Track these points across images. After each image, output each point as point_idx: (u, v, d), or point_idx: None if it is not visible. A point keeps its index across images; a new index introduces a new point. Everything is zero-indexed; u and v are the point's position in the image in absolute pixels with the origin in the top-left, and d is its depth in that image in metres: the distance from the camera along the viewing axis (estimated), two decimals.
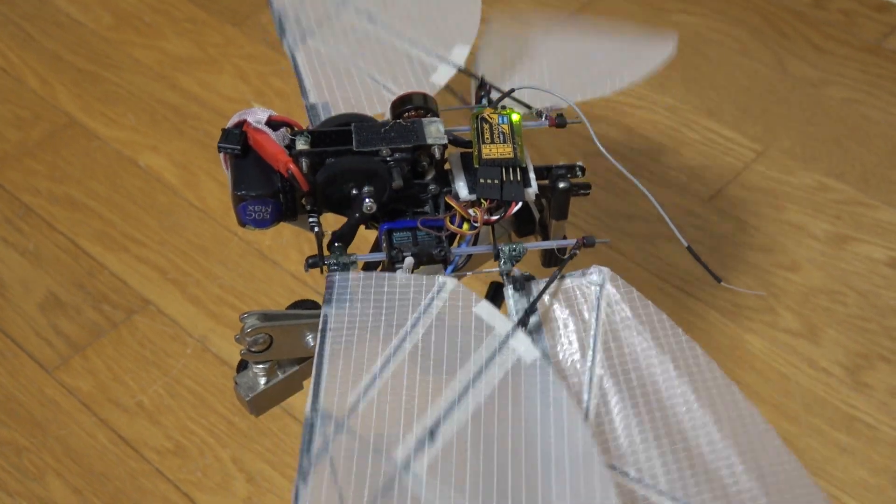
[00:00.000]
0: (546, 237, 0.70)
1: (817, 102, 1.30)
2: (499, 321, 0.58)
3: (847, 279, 1.11)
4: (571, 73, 0.80)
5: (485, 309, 0.59)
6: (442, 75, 0.75)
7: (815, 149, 1.24)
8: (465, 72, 0.75)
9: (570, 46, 0.83)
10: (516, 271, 0.63)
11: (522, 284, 0.62)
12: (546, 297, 0.61)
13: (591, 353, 0.59)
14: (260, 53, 1.38)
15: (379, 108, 0.72)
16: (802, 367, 1.04)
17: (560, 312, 0.61)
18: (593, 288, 0.61)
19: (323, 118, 0.71)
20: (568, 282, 0.62)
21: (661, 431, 0.56)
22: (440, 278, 0.60)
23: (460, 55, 0.76)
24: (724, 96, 1.31)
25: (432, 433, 0.53)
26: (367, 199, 0.64)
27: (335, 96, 0.73)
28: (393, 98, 0.69)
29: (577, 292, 0.61)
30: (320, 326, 0.57)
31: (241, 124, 0.65)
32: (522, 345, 0.57)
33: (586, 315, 0.60)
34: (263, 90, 1.33)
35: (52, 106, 1.31)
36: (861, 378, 1.03)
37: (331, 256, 0.63)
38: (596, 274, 0.62)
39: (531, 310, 0.60)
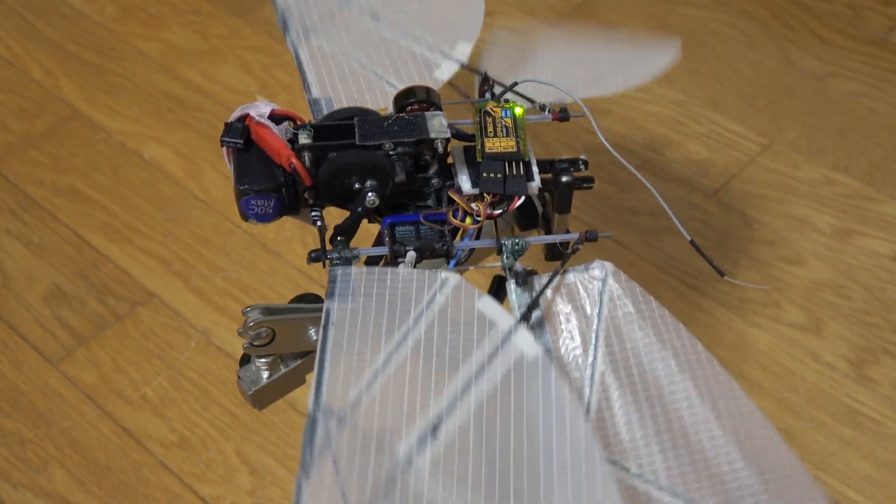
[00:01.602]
0: (549, 231, 0.70)
1: (823, 95, 1.30)
2: (501, 317, 0.58)
3: (852, 273, 1.11)
4: (573, 74, 0.80)
5: (487, 304, 0.59)
6: (445, 71, 0.74)
7: (821, 142, 1.24)
8: (467, 68, 0.75)
9: (573, 52, 0.83)
10: (519, 266, 0.63)
11: (525, 279, 0.62)
12: (548, 292, 0.61)
13: (593, 348, 0.59)
14: (264, 45, 1.37)
15: (382, 103, 0.72)
16: (807, 362, 1.03)
17: (562, 307, 0.61)
18: (596, 283, 0.61)
19: (326, 113, 0.71)
20: (570, 276, 0.62)
21: (662, 427, 0.56)
22: (442, 274, 0.60)
23: (463, 52, 0.76)
24: (730, 89, 1.30)
25: (435, 429, 0.53)
26: (369, 194, 0.63)
27: (338, 91, 0.73)
28: (395, 93, 0.69)
29: (580, 287, 0.61)
30: (322, 321, 0.57)
31: (244, 118, 0.65)
32: (525, 341, 0.57)
33: (588, 310, 0.60)
34: (268, 82, 1.33)
35: (56, 97, 1.31)
36: (865, 372, 1.03)
37: (333, 251, 0.62)
38: (598, 269, 0.62)
39: (533, 305, 0.60)
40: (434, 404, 0.54)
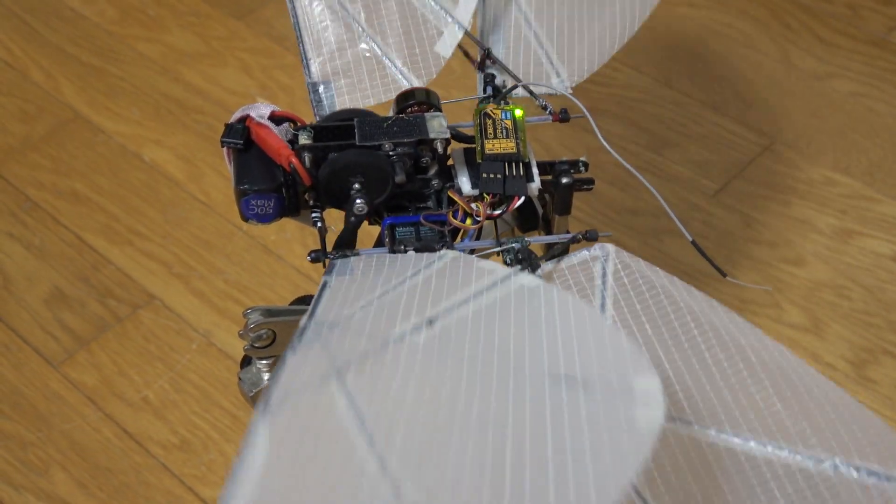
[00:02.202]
0: (549, 232, 0.70)
1: (823, 96, 1.30)
2: (502, 268, 0.57)
3: (852, 274, 1.11)
4: (574, 27, 0.77)
5: (488, 263, 0.58)
6: (446, 44, 0.73)
7: (821, 142, 1.24)
8: (469, 35, 0.74)
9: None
10: (516, 245, 0.62)
11: (525, 257, 0.61)
12: (549, 270, 0.60)
13: (600, 309, 0.57)
14: (264, 47, 1.38)
15: (382, 90, 0.72)
16: (807, 362, 1.03)
17: (564, 284, 0.59)
18: (599, 259, 0.60)
19: (325, 99, 0.71)
20: (573, 258, 0.60)
21: (683, 362, 0.54)
22: (441, 251, 0.60)
23: (466, 9, 0.74)
24: (729, 89, 1.31)
25: (430, 321, 0.51)
26: (358, 200, 0.63)
27: (338, 73, 0.72)
28: (396, 74, 0.69)
29: (582, 266, 0.60)
30: (318, 288, 0.56)
31: (244, 119, 0.65)
32: (526, 278, 0.55)
33: (594, 282, 0.59)
34: (267, 84, 1.33)
35: (56, 100, 1.31)
36: (866, 373, 1.03)
37: (333, 251, 0.63)
38: (599, 249, 0.60)
39: (535, 265, 0.59)
40: (431, 309, 0.52)
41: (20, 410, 1.02)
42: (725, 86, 1.31)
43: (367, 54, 0.73)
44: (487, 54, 0.73)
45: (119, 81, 1.34)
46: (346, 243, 0.64)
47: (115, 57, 1.37)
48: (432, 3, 0.74)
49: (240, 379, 0.69)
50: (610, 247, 0.60)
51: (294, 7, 0.75)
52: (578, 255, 0.61)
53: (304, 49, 0.73)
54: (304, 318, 0.52)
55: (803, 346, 1.04)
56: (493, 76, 0.72)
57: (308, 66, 0.72)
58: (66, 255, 1.14)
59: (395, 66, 0.72)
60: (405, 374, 0.48)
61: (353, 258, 0.60)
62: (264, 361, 0.68)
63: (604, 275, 0.59)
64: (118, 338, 1.07)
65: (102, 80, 1.34)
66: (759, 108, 1.28)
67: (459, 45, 0.73)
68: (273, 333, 0.66)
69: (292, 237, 1.15)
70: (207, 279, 1.12)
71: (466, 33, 0.73)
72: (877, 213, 1.16)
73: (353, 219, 0.64)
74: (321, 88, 0.72)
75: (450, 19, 0.73)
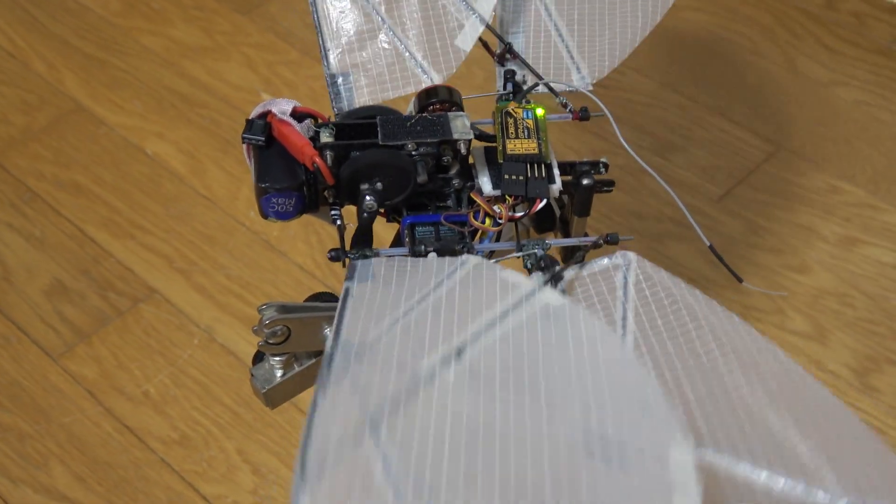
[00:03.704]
0: (567, 234, 0.69)
1: (828, 103, 1.30)
2: (525, 281, 0.56)
3: (856, 282, 1.11)
4: (591, 23, 0.77)
5: (510, 274, 0.57)
6: (467, 37, 0.73)
7: (826, 150, 1.24)
8: (490, 29, 0.73)
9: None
10: (539, 251, 0.62)
11: (548, 264, 0.61)
12: (570, 280, 0.59)
13: (622, 330, 0.57)
14: (268, 42, 1.37)
15: (401, 83, 0.71)
16: (811, 370, 1.03)
17: (586, 292, 0.59)
18: (620, 269, 0.60)
19: (343, 91, 0.70)
20: (594, 266, 0.60)
21: (705, 393, 0.53)
22: (463, 255, 0.59)
23: (487, 3, 0.73)
24: (735, 95, 1.30)
25: (459, 352, 0.51)
26: (367, 197, 0.63)
27: (357, 67, 0.71)
28: (416, 69, 0.68)
29: (604, 275, 0.59)
30: (341, 297, 0.56)
31: (266, 115, 0.64)
32: (550, 295, 0.55)
33: (615, 294, 0.59)
34: (271, 79, 1.32)
35: (58, 91, 1.30)
36: (869, 381, 1.03)
37: (352, 250, 0.62)
38: (621, 258, 0.60)
39: (558, 276, 0.59)
40: (458, 336, 0.52)
41: (19, 403, 1.01)
42: (731, 92, 1.31)
43: (387, 45, 0.72)
44: (508, 49, 0.72)
45: (122, 74, 1.33)
46: (362, 240, 0.64)
47: (119, 49, 1.36)
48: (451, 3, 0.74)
49: (252, 375, 0.68)
50: (631, 255, 0.60)
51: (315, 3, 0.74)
52: (599, 263, 0.60)
53: (322, 39, 0.72)
54: (329, 340, 0.52)
55: (807, 353, 1.04)
56: (514, 72, 0.71)
57: (326, 57, 0.72)
58: (66, 248, 1.13)
59: (415, 60, 0.71)
60: (438, 431, 0.47)
61: (373, 260, 0.59)
62: (277, 358, 0.67)
63: (625, 285, 0.59)
64: (119, 331, 1.06)
65: (105, 73, 1.33)
66: (765, 115, 1.28)
67: (480, 39, 0.73)
68: (288, 330, 0.65)
69: (295, 234, 1.14)
70: (209, 274, 1.11)
71: (487, 27, 0.72)
72: (881, 222, 1.16)
73: (364, 215, 0.63)
74: (339, 80, 0.71)
75: (471, 12, 0.72)
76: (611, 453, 0.46)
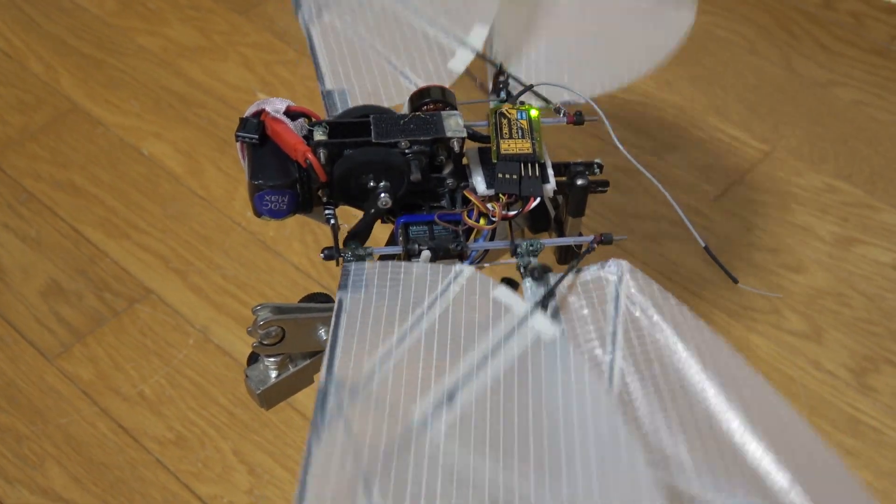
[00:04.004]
0: (561, 234, 0.69)
1: (825, 103, 1.30)
2: (517, 303, 0.57)
3: (853, 282, 1.10)
4: (589, 54, 0.78)
5: (503, 293, 0.58)
6: (459, 62, 0.73)
7: (823, 150, 1.24)
8: (482, 57, 0.74)
9: (586, 20, 0.82)
10: (534, 261, 0.62)
11: (540, 275, 0.61)
12: (564, 290, 0.60)
13: (611, 345, 0.58)
14: (265, 42, 1.37)
15: (395, 97, 0.72)
16: (808, 369, 1.03)
17: (578, 305, 0.60)
18: (612, 280, 0.60)
19: (339, 106, 0.71)
20: (585, 275, 0.61)
21: (686, 420, 0.54)
22: (457, 266, 0.59)
23: (478, 37, 0.74)
24: (732, 95, 1.30)
25: (451, 397, 0.52)
26: (382, 194, 0.63)
27: (351, 82, 0.72)
28: (410, 86, 0.69)
29: (595, 285, 0.60)
30: (335, 309, 0.56)
31: (260, 113, 0.64)
32: (542, 323, 0.56)
33: (605, 308, 0.59)
34: (268, 79, 1.32)
35: (55, 91, 1.30)
36: (866, 381, 1.03)
37: (346, 249, 0.62)
38: (614, 266, 0.61)
39: (549, 295, 0.59)
40: (449, 376, 0.53)
41: (15, 404, 1.01)
42: (727, 91, 1.31)
43: (381, 65, 0.73)
44: (500, 70, 0.72)
45: (119, 74, 1.33)
46: (361, 235, 0.64)
47: (115, 49, 1.36)
48: (444, 32, 0.75)
49: (247, 376, 0.68)
50: (624, 264, 0.61)
51: (307, 25, 0.75)
52: (592, 272, 0.61)
53: (317, 62, 0.73)
54: (323, 373, 0.52)
55: (804, 353, 1.04)
56: (507, 82, 0.72)
57: (322, 78, 0.72)
58: (63, 248, 1.13)
59: (409, 79, 0.72)
60: (430, 484, 0.48)
61: (366, 265, 0.60)
62: (272, 359, 0.67)
63: (616, 297, 0.60)
64: (115, 332, 1.06)
65: (102, 73, 1.33)
66: (762, 114, 1.28)
67: (468, 72, 0.74)
68: (282, 331, 0.65)
69: (291, 234, 1.14)
70: (205, 274, 1.11)
71: (479, 55, 0.73)
72: (878, 222, 1.16)
73: (373, 211, 0.63)
74: (336, 96, 0.71)
75: (463, 45, 0.74)
76: None
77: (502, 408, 0.52)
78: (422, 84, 0.71)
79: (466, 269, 0.59)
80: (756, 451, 0.53)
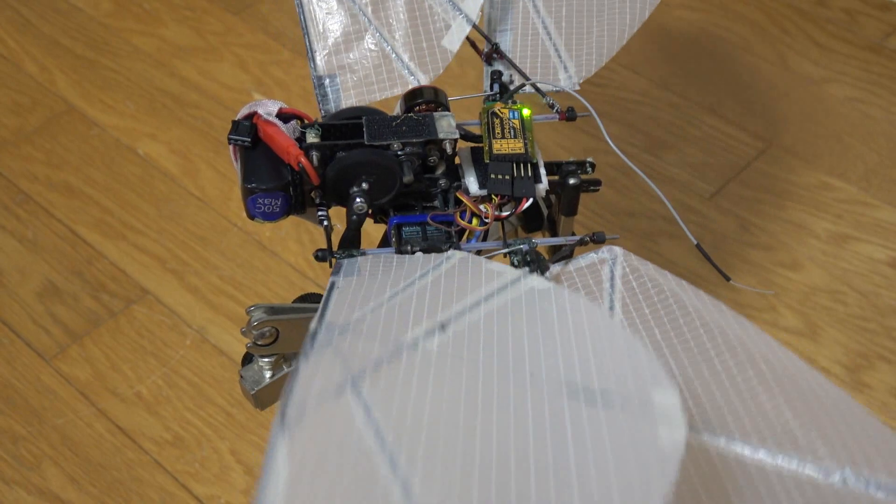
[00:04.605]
0: (554, 233, 0.70)
1: (819, 100, 1.30)
2: (511, 270, 0.56)
3: (848, 279, 1.11)
4: (579, 21, 0.77)
5: (496, 265, 0.57)
6: (454, 38, 0.73)
7: (817, 147, 1.24)
8: (478, 29, 0.73)
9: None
10: (525, 246, 0.62)
11: (534, 259, 0.61)
12: (558, 272, 0.59)
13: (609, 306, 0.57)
14: (260, 42, 1.37)
15: (388, 84, 0.71)
16: None
17: (572, 286, 0.59)
18: (607, 263, 0.60)
19: (330, 93, 0.70)
20: (580, 261, 0.60)
21: (702, 372, 0.53)
22: (448, 252, 0.59)
23: (473, 6, 0.73)
24: (727, 92, 1.31)
25: (443, 326, 0.51)
26: (357, 199, 0.63)
27: (343, 66, 0.71)
28: (403, 70, 0.68)
29: (591, 269, 0.59)
30: (326, 289, 0.56)
31: (252, 116, 0.64)
32: (536, 280, 0.55)
33: (602, 285, 0.59)
34: (263, 79, 1.32)
35: (50, 92, 1.30)
36: (861, 378, 1.03)
37: (339, 250, 0.62)
38: (608, 252, 0.60)
39: (543, 268, 0.59)
40: (442, 313, 0.52)
41: (12, 404, 1.01)
42: (722, 89, 1.31)
43: (373, 47, 0.72)
44: (495, 49, 0.72)
45: (113, 74, 1.33)
46: (351, 242, 0.64)
47: (110, 50, 1.36)
48: (438, 2, 0.74)
49: (241, 377, 0.68)
50: (618, 249, 0.60)
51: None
52: (586, 258, 0.60)
53: (309, 41, 0.72)
54: (314, 321, 0.51)
55: (799, 350, 1.04)
56: (500, 73, 0.71)
57: (313, 59, 0.72)
58: (59, 249, 1.13)
59: (402, 61, 0.72)
60: (420, 384, 0.47)
61: (359, 258, 0.60)
62: (266, 359, 0.68)
63: (612, 277, 0.59)
64: (111, 332, 1.06)
65: (97, 73, 1.33)
66: (756, 112, 1.28)
67: (467, 38, 0.73)
68: (276, 331, 0.65)
69: (287, 234, 1.14)
70: (201, 275, 1.11)
71: (474, 27, 0.72)
72: (872, 219, 1.16)
73: (354, 217, 0.63)
74: (327, 82, 0.71)
75: (457, 12, 0.72)
76: (595, 399, 0.46)
77: (496, 331, 0.51)
78: (415, 69, 0.70)
79: (458, 253, 0.59)
80: (768, 401, 0.51)
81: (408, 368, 0.48)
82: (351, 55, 0.72)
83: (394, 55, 0.72)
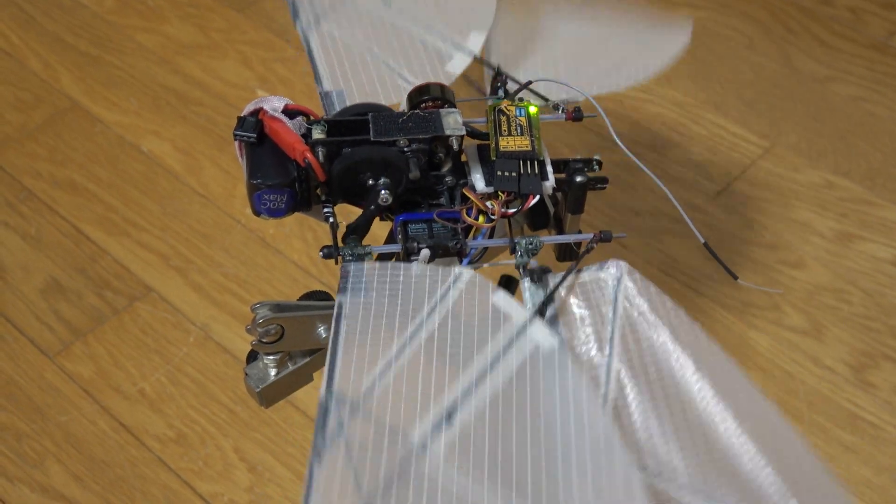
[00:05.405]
0: (561, 231, 0.69)
1: (823, 99, 1.30)
2: (516, 310, 0.58)
3: (852, 278, 1.11)
4: (586, 63, 0.79)
5: (502, 298, 0.58)
6: (457, 64, 0.74)
7: (822, 146, 1.24)
8: (480, 61, 0.74)
9: (583, 34, 0.83)
10: (533, 263, 0.62)
11: (540, 277, 0.61)
12: (562, 291, 0.60)
13: (608, 347, 0.58)
14: (264, 39, 1.37)
15: (394, 97, 0.72)
16: (807, 365, 1.03)
17: (577, 307, 0.60)
18: (610, 282, 0.61)
19: (337, 106, 0.71)
20: (585, 276, 0.61)
21: (680, 425, 0.55)
22: (456, 269, 0.59)
23: (476, 42, 0.75)
24: (731, 91, 1.30)
25: (449, 416, 0.53)
26: (382, 191, 0.63)
27: (350, 84, 0.72)
28: (408, 87, 0.69)
29: (594, 286, 0.61)
30: (335, 314, 0.56)
31: (257, 112, 0.64)
32: (540, 333, 0.56)
33: (603, 309, 0.60)
34: (267, 77, 1.32)
35: (54, 89, 1.30)
36: (866, 377, 1.03)
37: (345, 247, 0.62)
38: (613, 268, 0.61)
39: (548, 300, 0.60)
40: (448, 393, 0.54)
41: (15, 401, 1.01)
42: (727, 87, 1.31)
43: (380, 68, 0.73)
44: (498, 72, 0.72)
45: (117, 71, 1.33)
46: (360, 230, 0.63)
47: (114, 47, 1.36)
48: (442, 38, 0.75)
49: (246, 374, 0.68)
50: (623, 266, 0.61)
51: (305, 33, 0.76)
52: (591, 273, 0.61)
53: (317, 71, 0.74)
54: (322, 387, 0.53)
55: (803, 349, 1.04)
56: (505, 80, 0.72)
57: (320, 81, 0.73)
58: (62, 246, 1.13)
59: (407, 81, 0.72)
60: None
61: (365, 266, 0.60)
62: (271, 357, 0.67)
63: (615, 300, 0.60)
64: (115, 330, 1.06)
65: (101, 70, 1.33)
66: (761, 111, 1.28)
67: (464, 76, 0.74)
68: (281, 329, 0.65)
69: (291, 231, 1.14)
70: (205, 272, 1.11)
71: (476, 59, 0.74)
72: (877, 218, 1.16)
73: (373, 207, 0.63)
74: (334, 96, 0.72)
75: (460, 50, 0.74)
76: None
77: (500, 426, 0.53)
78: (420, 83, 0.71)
79: (465, 273, 0.59)
80: (748, 459, 0.54)
81: (416, 494, 0.50)
82: (357, 75, 0.73)
83: (399, 77, 0.73)
